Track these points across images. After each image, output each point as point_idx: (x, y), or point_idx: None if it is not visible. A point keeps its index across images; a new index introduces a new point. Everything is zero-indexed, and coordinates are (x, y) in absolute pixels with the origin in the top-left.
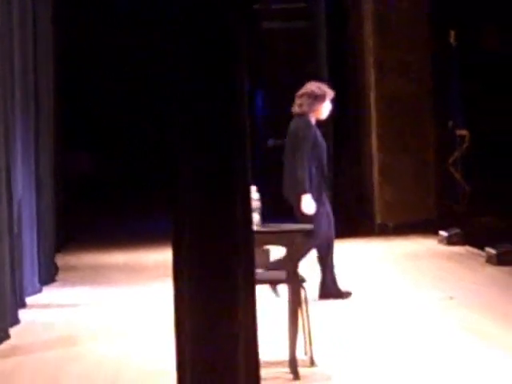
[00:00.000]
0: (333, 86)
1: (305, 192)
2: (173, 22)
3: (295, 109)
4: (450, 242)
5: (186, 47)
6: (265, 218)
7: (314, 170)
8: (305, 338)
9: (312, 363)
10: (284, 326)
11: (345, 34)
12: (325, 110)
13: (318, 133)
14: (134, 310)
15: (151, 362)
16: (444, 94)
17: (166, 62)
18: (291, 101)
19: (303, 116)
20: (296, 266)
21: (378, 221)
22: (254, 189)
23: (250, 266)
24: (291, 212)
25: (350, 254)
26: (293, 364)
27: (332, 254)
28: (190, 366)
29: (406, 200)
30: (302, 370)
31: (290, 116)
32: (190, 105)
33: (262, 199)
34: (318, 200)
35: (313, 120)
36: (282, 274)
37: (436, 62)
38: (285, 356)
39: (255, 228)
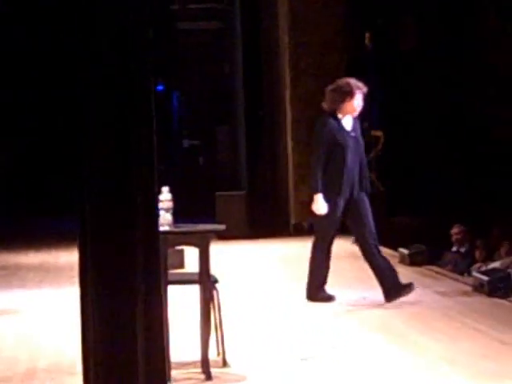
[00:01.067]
0: (248, 86)
1: (315, 192)
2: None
3: (324, 105)
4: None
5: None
6: (179, 219)
7: (330, 170)
8: (217, 338)
9: (224, 364)
10: (197, 327)
11: (260, 33)
12: (354, 106)
13: (345, 131)
14: (46, 313)
15: (60, 365)
16: None
17: (72, 65)
18: (206, 101)
19: (326, 113)
20: (208, 266)
21: (294, 221)
22: (166, 189)
23: (156, 267)
24: (205, 212)
25: (265, 253)
26: (205, 364)
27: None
28: (93, 367)
29: None
30: (214, 371)
31: (205, 116)
32: (93, 106)
33: (177, 199)
34: (329, 201)
35: (341, 117)
36: (194, 275)
37: (351, 63)
38: (197, 356)
39: (167, 228)
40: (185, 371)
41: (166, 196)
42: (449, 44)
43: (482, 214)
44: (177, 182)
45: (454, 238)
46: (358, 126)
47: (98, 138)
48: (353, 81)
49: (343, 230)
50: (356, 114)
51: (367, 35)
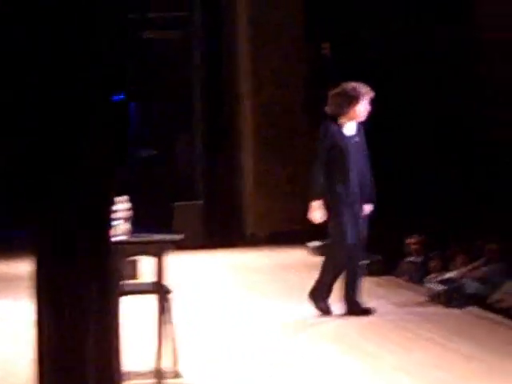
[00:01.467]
0: (207, 96)
1: (313, 198)
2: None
3: (328, 109)
4: (319, 253)
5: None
6: (136, 228)
7: (333, 177)
8: (171, 348)
9: (177, 374)
10: (151, 337)
11: (221, 43)
12: (360, 111)
13: (346, 136)
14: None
15: (13, 376)
16: (318, 106)
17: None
18: (166, 110)
19: (329, 117)
20: (162, 277)
21: (250, 231)
22: (125, 199)
23: (109, 277)
24: (160, 222)
25: (221, 264)
26: (158, 375)
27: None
28: (45, 378)
29: (279, 211)
30: (167, 382)
31: (164, 126)
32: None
33: (135, 209)
34: (332, 209)
35: (344, 121)
36: (149, 285)
37: (312, 73)
38: (150, 366)
39: (125, 238)
40: (138, 381)
41: (123, 205)
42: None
43: (439, 225)
44: (134, 192)
45: (410, 248)
46: (363, 132)
47: (50, 145)
48: (359, 85)
49: (299, 241)
50: (362, 119)
51: (326, 45)
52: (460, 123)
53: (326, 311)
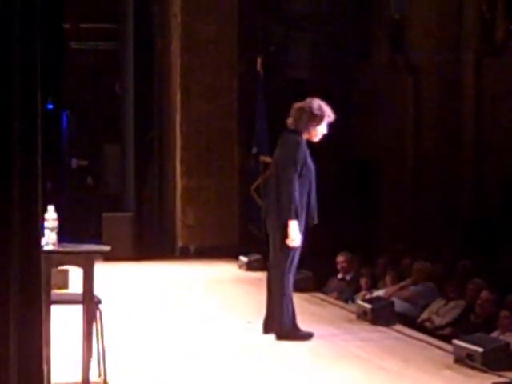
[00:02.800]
0: (138, 107)
1: (291, 218)
2: None
3: (289, 121)
4: (249, 267)
5: None
6: (66, 238)
7: (299, 195)
8: (98, 359)
9: None
10: (79, 347)
11: (153, 55)
12: (319, 132)
13: (308, 154)
14: None
15: None
16: (249, 121)
17: None
18: (96, 121)
19: (295, 133)
20: (92, 287)
21: (180, 244)
22: (51, 208)
23: (36, 286)
24: (89, 232)
25: (150, 276)
26: None
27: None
28: None
29: (209, 224)
30: None
31: (95, 136)
32: None
33: (64, 219)
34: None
35: (304, 138)
36: (77, 295)
37: (243, 88)
38: (78, 377)
39: (52, 248)
40: None
41: (51, 215)
42: (338, 74)
43: (368, 242)
44: (64, 202)
45: (339, 265)
46: None
47: None
48: (324, 105)
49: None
50: (317, 140)
51: (259, 60)
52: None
53: (307, 335)
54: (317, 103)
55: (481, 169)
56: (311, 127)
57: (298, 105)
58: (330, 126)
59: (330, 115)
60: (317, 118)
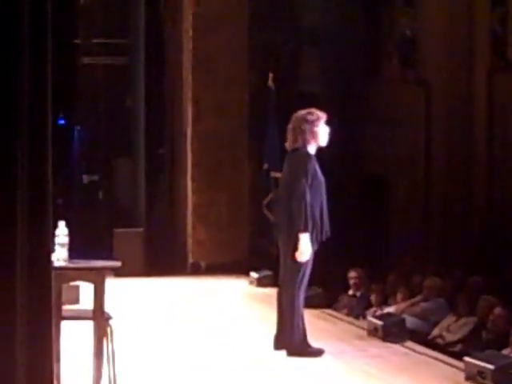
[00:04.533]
0: (149, 122)
1: (302, 231)
2: None
3: (289, 143)
4: (260, 283)
5: None
6: (77, 254)
7: (311, 209)
8: (109, 374)
9: None
10: (90, 363)
11: (164, 70)
12: (323, 133)
13: (317, 166)
14: None
15: None
16: (261, 136)
17: None
18: (108, 136)
19: (300, 149)
20: (102, 303)
21: (191, 260)
22: (62, 224)
23: (46, 302)
24: (101, 248)
25: (161, 291)
26: None
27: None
28: None
29: (220, 240)
30: None
31: (106, 152)
32: None
33: (75, 235)
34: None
35: (312, 151)
36: (88, 311)
37: (254, 104)
38: None
39: (63, 264)
40: None
41: (61, 231)
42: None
43: (380, 259)
44: (75, 218)
45: (350, 281)
46: None
47: None
48: (312, 109)
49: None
50: (325, 142)
51: (270, 75)
52: None
53: (318, 352)
54: (304, 112)
55: (493, 182)
56: (315, 131)
57: (290, 126)
58: (341, 138)
59: (321, 115)
60: (314, 122)
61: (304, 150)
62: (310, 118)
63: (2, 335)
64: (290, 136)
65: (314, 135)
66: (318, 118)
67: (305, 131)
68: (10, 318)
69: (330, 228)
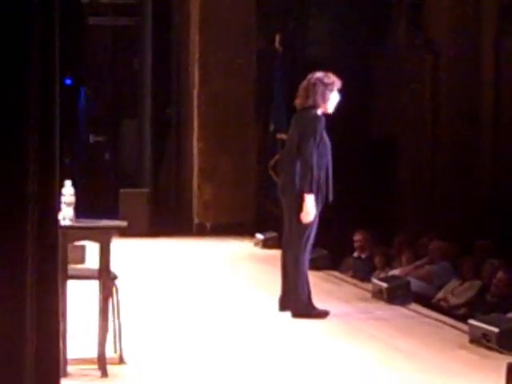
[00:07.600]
0: (156, 83)
1: (308, 192)
2: None
3: (300, 101)
4: (265, 245)
5: None
6: (81, 214)
7: (317, 170)
8: (115, 335)
9: (121, 361)
10: (95, 323)
11: (171, 31)
12: (334, 100)
13: (325, 130)
14: None
15: None
16: (267, 98)
17: None
18: (114, 97)
19: (310, 109)
20: (108, 263)
21: (196, 221)
22: (69, 183)
23: (52, 261)
24: (107, 208)
25: (166, 253)
26: (101, 361)
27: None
28: None
29: (226, 201)
30: (110, 368)
31: (113, 112)
32: None
33: (81, 194)
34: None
35: (321, 113)
36: (94, 271)
37: (261, 65)
38: (94, 353)
39: (69, 223)
40: (81, 367)
41: (68, 190)
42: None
43: (386, 221)
44: (82, 177)
45: (356, 244)
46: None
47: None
48: (329, 73)
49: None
50: (332, 110)
51: (278, 37)
52: None
53: (323, 313)
54: (321, 74)
55: (500, 144)
56: (326, 97)
57: (304, 83)
58: (349, 102)
59: (337, 81)
60: (329, 85)
61: (314, 110)
62: (326, 80)
63: (13, 295)
64: (301, 94)
65: (324, 99)
66: (334, 83)
67: (317, 92)
68: (20, 277)
69: (334, 190)
